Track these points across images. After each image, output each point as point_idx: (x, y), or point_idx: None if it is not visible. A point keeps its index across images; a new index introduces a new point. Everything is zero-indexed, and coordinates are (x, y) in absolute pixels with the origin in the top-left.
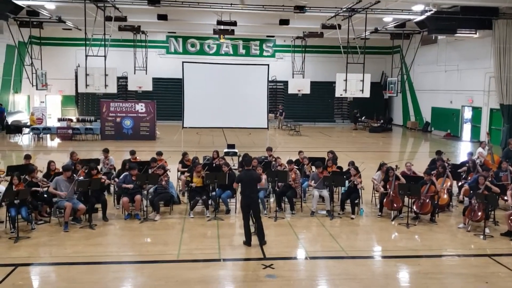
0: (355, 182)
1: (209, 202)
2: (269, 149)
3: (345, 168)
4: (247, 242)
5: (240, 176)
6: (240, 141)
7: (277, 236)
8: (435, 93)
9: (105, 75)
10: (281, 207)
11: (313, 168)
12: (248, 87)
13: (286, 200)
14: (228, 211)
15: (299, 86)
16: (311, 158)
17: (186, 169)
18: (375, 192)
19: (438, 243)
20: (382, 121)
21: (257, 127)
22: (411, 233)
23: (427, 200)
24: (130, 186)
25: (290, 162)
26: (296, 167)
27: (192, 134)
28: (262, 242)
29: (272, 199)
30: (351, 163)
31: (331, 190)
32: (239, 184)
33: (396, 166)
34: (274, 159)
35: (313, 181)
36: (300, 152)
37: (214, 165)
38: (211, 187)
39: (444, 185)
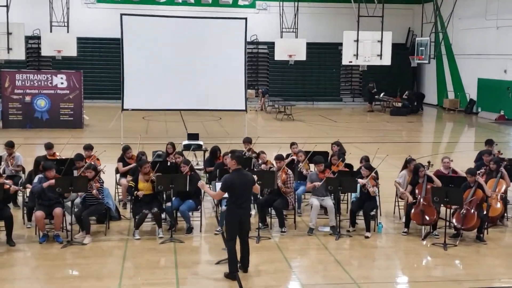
0: (366, 186)
1: (163, 216)
2: (248, 141)
3: (356, 166)
4: (232, 275)
5: (230, 180)
6: (207, 129)
7: (261, 264)
8: (483, 59)
9: (8, 33)
10: (265, 223)
11: (311, 167)
12: (217, 52)
13: (273, 212)
14: (190, 230)
15: (291, 49)
16: (309, 152)
17: (129, 170)
18: (399, 199)
19: (488, 270)
20: (408, 99)
21: (231, 109)
22: (450, 257)
23: (472, 211)
24: (51, 182)
25: (279, 158)
26: (287, 165)
27: (136, 119)
28: (245, 270)
29: (252, 212)
30: (364, 159)
31: (337, 198)
32: (228, 192)
33: (429, 162)
34: (255, 154)
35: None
36: (293, 144)
37: (169, 163)
38: (165, 196)
39: (497, 189)
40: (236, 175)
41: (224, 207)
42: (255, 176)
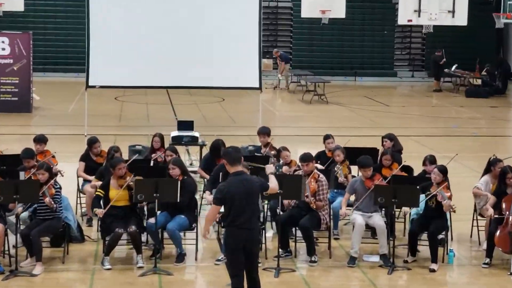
0: (439, 199)
1: (143, 238)
2: (264, 132)
3: (417, 170)
4: None
5: (224, 188)
6: (205, 115)
7: None
8: None
9: None
10: (288, 249)
11: (353, 172)
12: (221, 7)
13: (299, 234)
14: (181, 257)
15: (324, 3)
16: (350, 150)
17: (96, 173)
18: (479, 216)
19: None
20: (490, 74)
21: (239, 86)
22: None
23: None
24: None
25: (307, 158)
26: (319, 168)
27: (107, 100)
28: None
29: (270, 233)
30: (429, 160)
31: (390, 215)
32: (224, 206)
33: None
34: (274, 152)
35: (353, 196)
36: (327, 138)
37: (153, 164)
38: (146, 209)
39: None
40: (233, 182)
41: None
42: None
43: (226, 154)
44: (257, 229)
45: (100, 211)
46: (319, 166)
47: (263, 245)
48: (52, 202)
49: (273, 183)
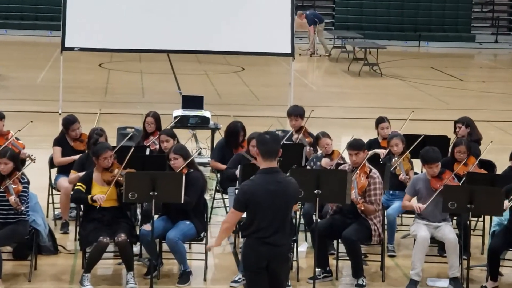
0: None
1: (135, 250)
2: (297, 113)
3: (501, 166)
4: None
5: (249, 189)
6: (219, 90)
7: None
8: None
9: None
10: (327, 268)
11: (416, 167)
12: None
13: (342, 249)
14: (185, 276)
15: None
16: (412, 138)
17: (74, 164)
18: None
19: None
20: None
21: (263, 51)
22: None
23: None
24: None
25: (355, 147)
26: (370, 161)
27: (89, 68)
28: None
29: (303, 247)
30: None
31: (464, 225)
32: (246, 211)
33: None
34: (309, 139)
35: (414, 200)
36: (381, 122)
37: (148, 152)
38: (139, 212)
39: None
40: (262, 181)
41: None
42: (305, 179)
43: (262, 142)
44: (286, 246)
45: (100, 197)
46: (380, 151)
47: (294, 263)
48: (18, 202)
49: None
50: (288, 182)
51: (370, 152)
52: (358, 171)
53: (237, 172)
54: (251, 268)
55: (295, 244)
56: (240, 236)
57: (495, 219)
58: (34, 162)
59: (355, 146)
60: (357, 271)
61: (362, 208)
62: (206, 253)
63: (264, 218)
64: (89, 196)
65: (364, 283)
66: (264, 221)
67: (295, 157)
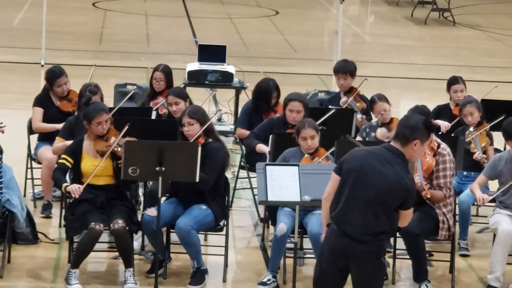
0: None
1: (136, 242)
2: (346, 70)
3: None
4: None
5: (354, 152)
6: (245, 39)
7: None
8: None
9: None
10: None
11: (498, 142)
12: None
13: (401, 243)
14: (200, 275)
15: None
16: (493, 105)
17: (61, 129)
18: None
19: None
20: None
21: None
22: None
23: None
24: None
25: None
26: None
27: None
28: None
29: None
30: None
31: None
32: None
33: None
34: (361, 103)
35: (495, 183)
36: (453, 83)
37: (154, 115)
38: (142, 192)
39: None
40: (372, 151)
41: (280, 226)
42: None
43: (401, 122)
44: (369, 245)
45: (75, 189)
46: (442, 123)
47: None
48: None
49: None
50: (399, 172)
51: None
52: (428, 153)
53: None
54: (321, 260)
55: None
56: (269, 226)
57: None
58: (3, 132)
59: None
60: (420, 274)
61: (428, 196)
62: (226, 247)
63: (351, 198)
64: (64, 185)
65: (429, 287)
66: (350, 201)
67: (343, 126)
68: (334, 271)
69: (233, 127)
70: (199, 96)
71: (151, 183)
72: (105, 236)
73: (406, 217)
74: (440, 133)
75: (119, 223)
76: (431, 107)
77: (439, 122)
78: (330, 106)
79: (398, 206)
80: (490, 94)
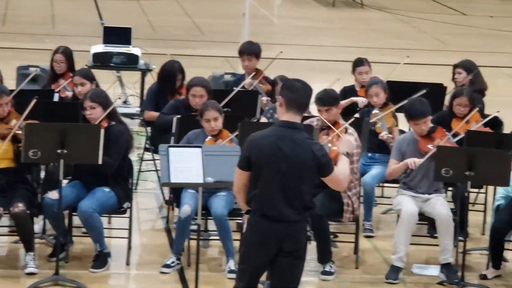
0: None
1: (37, 226)
2: (251, 52)
3: (509, 123)
4: None
5: (257, 141)
6: (152, 21)
7: None
8: None
9: None
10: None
11: (402, 123)
12: None
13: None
14: (102, 259)
15: None
16: (398, 86)
17: None
18: None
19: None
20: None
21: None
22: None
23: None
24: None
25: (327, 100)
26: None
27: None
28: None
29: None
30: None
31: (461, 198)
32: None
33: None
34: (266, 85)
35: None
36: (359, 64)
37: (58, 98)
38: (44, 176)
39: None
40: (274, 134)
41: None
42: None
43: (291, 89)
44: (300, 223)
45: None
46: (359, 99)
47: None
48: None
49: (343, 170)
50: (306, 144)
51: (346, 101)
52: (329, 133)
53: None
54: (250, 244)
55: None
56: (173, 208)
57: (500, 190)
58: None
59: (326, 100)
60: (324, 255)
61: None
62: (130, 230)
63: (270, 184)
64: None
65: (333, 270)
66: (266, 187)
67: (247, 108)
68: (264, 259)
69: (139, 109)
70: (105, 78)
71: (52, 165)
72: (5, 220)
73: (334, 179)
74: (358, 108)
75: (19, 207)
76: (339, 88)
77: (356, 99)
78: (235, 88)
79: (318, 176)
80: (399, 72)
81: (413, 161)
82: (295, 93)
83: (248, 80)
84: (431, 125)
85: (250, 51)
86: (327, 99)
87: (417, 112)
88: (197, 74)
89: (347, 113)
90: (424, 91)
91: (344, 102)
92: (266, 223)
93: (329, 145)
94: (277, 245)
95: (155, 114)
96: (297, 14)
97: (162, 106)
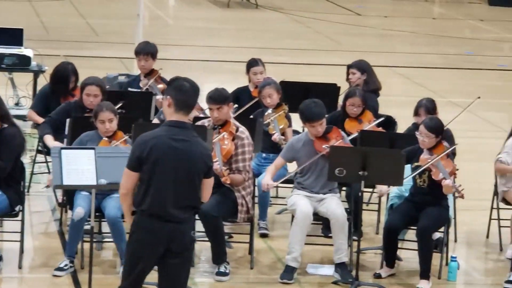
0: (435, 177)
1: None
2: (147, 52)
3: (405, 123)
4: None
5: (150, 141)
6: (45, 22)
7: None
8: None
9: None
10: None
11: (296, 124)
12: None
13: (201, 226)
14: None
15: None
16: (292, 87)
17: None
18: (501, 204)
19: None
20: None
21: None
22: None
23: None
24: None
25: (218, 98)
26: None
27: None
28: None
29: None
30: (425, 108)
31: (355, 198)
32: (140, 174)
33: None
34: (162, 85)
35: (293, 165)
36: (253, 65)
37: None
38: None
39: None
40: (165, 134)
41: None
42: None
43: (180, 89)
44: (188, 222)
45: None
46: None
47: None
48: None
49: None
50: (197, 144)
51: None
52: (221, 133)
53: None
54: (133, 250)
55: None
56: (67, 210)
57: (394, 189)
58: None
59: (217, 98)
60: (219, 256)
61: (228, 182)
62: (22, 233)
63: (162, 183)
64: None
65: (228, 271)
66: (160, 186)
67: (142, 108)
68: (151, 259)
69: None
70: None
71: None
72: None
73: (208, 187)
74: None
75: None
76: (230, 89)
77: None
78: (129, 89)
79: (203, 176)
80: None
81: (266, 184)
82: (185, 94)
83: (144, 81)
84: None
85: (147, 51)
86: (218, 97)
87: (313, 115)
88: (91, 75)
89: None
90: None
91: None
92: (156, 223)
93: (220, 143)
94: (165, 246)
95: (35, 116)
96: (192, 15)
97: (54, 108)
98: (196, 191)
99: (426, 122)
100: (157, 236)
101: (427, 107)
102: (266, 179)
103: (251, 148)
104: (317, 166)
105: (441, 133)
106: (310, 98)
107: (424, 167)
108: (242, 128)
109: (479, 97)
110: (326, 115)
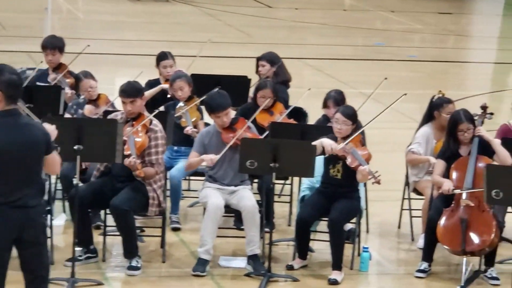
0: (350, 164)
1: None
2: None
3: (315, 115)
4: None
5: None
6: None
7: None
8: None
9: None
10: (90, 246)
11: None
12: None
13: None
14: None
15: None
16: (202, 79)
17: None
18: (416, 194)
19: None
20: None
21: None
22: None
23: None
24: None
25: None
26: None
27: None
28: None
29: (60, 220)
30: (333, 99)
31: (266, 190)
32: None
33: (484, 109)
34: (70, 79)
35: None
36: (163, 58)
37: None
38: None
39: None
40: (1, 126)
41: None
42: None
43: (9, 83)
44: (38, 208)
45: None
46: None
47: (48, 241)
48: None
49: (55, 161)
50: (33, 127)
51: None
52: (133, 126)
53: None
54: None
55: (49, 215)
56: None
57: (305, 181)
58: None
59: (129, 91)
60: (130, 250)
61: (142, 175)
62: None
63: (8, 173)
64: None
65: (139, 265)
66: (8, 177)
67: (51, 103)
68: (7, 246)
69: None
70: None
71: None
72: None
73: (52, 162)
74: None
75: None
76: (144, 82)
77: (165, 86)
78: (38, 83)
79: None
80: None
81: (210, 158)
82: (10, 82)
83: (53, 75)
84: (233, 116)
85: (54, 45)
86: (131, 91)
87: (217, 105)
88: None
89: (155, 105)
90: (217, 89)
91: (153, 90)
92: (8, 210)
93: (134, 136)
94: (17, 234)
95: None
96: (102, 9)
97: None
98: (41, 173)
99: (343, 109)
100: (9, 224)
101: (336, 99)
102: (206, 156)
103: (163, 141)
104: (226, 157)
105: (356, 121)
106: (216, 90)
107: (339, 151)
108: (155, 121)
109: (386, 78)
110: (238, 108)
